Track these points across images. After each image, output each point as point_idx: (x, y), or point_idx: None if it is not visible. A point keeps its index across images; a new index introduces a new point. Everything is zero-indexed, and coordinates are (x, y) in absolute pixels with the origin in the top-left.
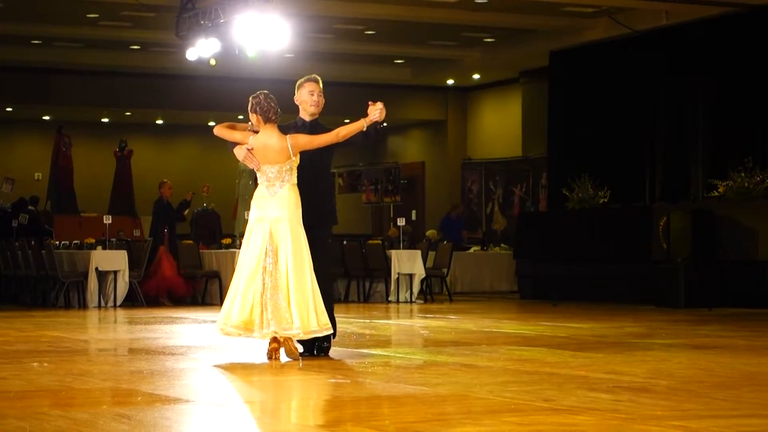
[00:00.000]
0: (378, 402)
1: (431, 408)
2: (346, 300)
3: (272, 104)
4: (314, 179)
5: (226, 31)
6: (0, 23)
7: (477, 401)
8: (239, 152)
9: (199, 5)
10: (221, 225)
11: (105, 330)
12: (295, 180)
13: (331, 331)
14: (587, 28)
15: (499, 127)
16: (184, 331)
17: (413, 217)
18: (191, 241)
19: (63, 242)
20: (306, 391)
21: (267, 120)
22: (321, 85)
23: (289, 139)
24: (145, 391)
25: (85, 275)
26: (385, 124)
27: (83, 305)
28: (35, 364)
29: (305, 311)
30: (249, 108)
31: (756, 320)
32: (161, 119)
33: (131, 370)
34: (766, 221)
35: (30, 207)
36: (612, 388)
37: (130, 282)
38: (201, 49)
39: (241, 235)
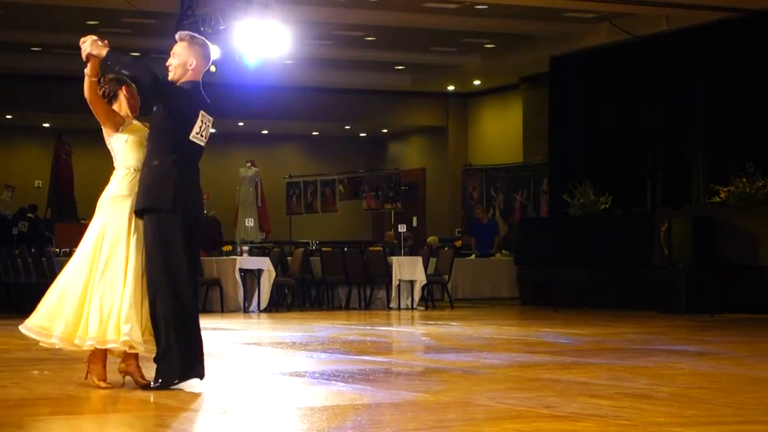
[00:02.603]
0: (379, 409)
1: (432, 415)
2: (347, 307)
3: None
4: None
5: (227, 37)
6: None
7: (478, 408)
8: None
9: (199, 12)
10: (222, 232)
11: None
12: (124, 163)
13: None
14: (588, 33)
15: (500, 133)
16: None
17: (414, 224)
18: None
19: (63, 249)
20: (307, 399)
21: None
22: (183, 41)
23: None
24: (147, 399)
25: None
26: (109, 62)
27: None
28: (35, 372)
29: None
30: None
31: (757, 326)
32: None
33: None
34: (767, 227)
35: (29, 215)
36: (614, 394)
37: None
38: None
39: (242, 242)
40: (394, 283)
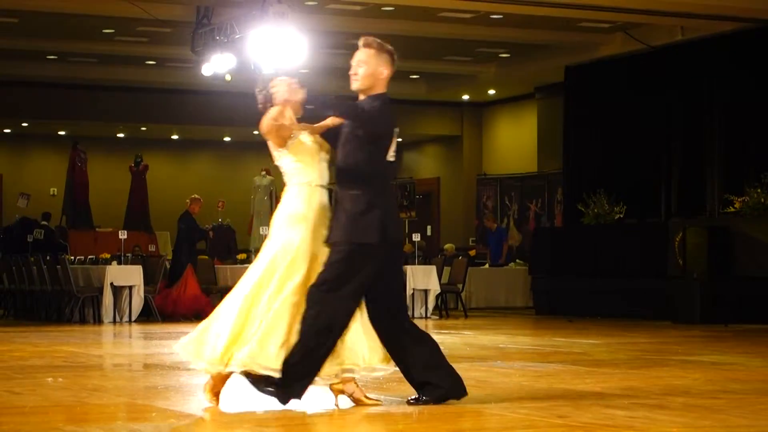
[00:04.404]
0: (393, 418)
1: (446, 424)
2: None
3: (261, 88)
4: (338, 181)
5: (242, 46)
6: (16, 39)
7: (492, 417)
8: None
9: (214, 21)
10: (236, 240)
11: (120, 345)
12: (300, 179)
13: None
14: (603, 43)
15: (515, 142)
16: None
17: (428, 233)
18: (206, 257)
19: (78, 257)
20: (318, 407)
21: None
22: (370, 48)
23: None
24: (160, 407)
25: (100, 290)
26: (310, 107)
27: (98, 320)
28: (50, 379)
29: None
30: None
31: None
32: (177, 134)
33: (146, 385)
34: None
35: (44, 222)
36: (628, 404)
37: (145, 297)
38: (216, 65)
39: (257, 251)
40: (408, 291)
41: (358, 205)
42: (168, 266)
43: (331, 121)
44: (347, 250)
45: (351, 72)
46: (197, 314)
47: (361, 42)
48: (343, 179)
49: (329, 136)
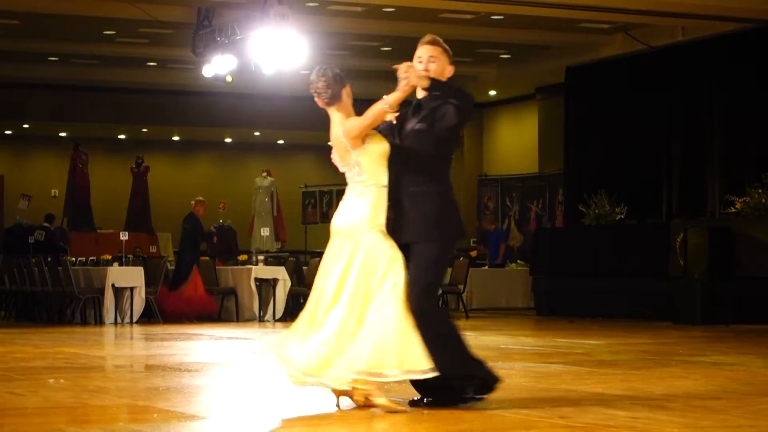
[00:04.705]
0: (395, 419)
1: (448, 425)
2: None
3: (321, 80)
4: (400, 179)
5: (243, 47)
6: (17, 40)
7: (493, 418)
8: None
9: (215, 22)
10: (237, 241)
11: (121, 346)
12: (375, 180)
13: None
14: (603, 44)
15: (516, 143)
16: (201, 347)
17: None
18: (207, 258)
19: (79, 259)
20: (323, 408)
21: (323, 104)
22: (438, 46)
23: (342, 126)
24: (161, 408)
25: (102, 291)
26: (436, 93)
27: (99, 322)
28: (51, 380)
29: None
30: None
31: None
32: (178, 136)
33: (147, 386)
34: None
35: (45, 224)
36: (629, 405)
37: (147, 298)
38: (217, 66)
39: (258, 252)
40: None
41: (439, 203)
42: (169, 267)
43: (380, 110)
44: (440, 246)
45: (421, 67)
46: (209, 315)
47: (426, 38)
48: (419, 176)
49: (385, 131)
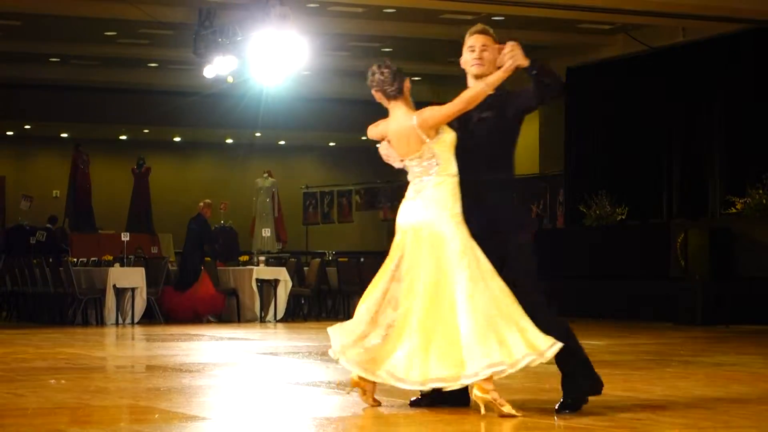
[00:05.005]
0: (395, 420)
1: (449, 426)
2: None
3: (386, 73)
4: (469, 169)
5: (244, 48)
6: (18, 41)
7: (495, 419)
8: (382, 150)
9: (216, 23)
10: (239, 242)
11: (122, 347)
12: (450, 170)
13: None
14: (604, 44)
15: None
16: (202, 348)
17: None
18: (209, 258)
19: (80, 259)
20: (323, 409)
21: (387, 96)
22: (489, 36)
23: (415, 116)
24: (163, 409)
25: (103, 292)
26: (535, 72)
27: (101, 322)
28: (52, 381)
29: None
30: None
31: None
32: (179, 136)
33: (148, 387)
34: None
35: (48, 225)
36: (630, 405)
37: (148, 299)
38: (218, 67)
39: (259, 253)
40: None
41: (509, 192)
42: (170, 268)
43: (481, 91)
44: (529, 236)
45: (475, 56)
46: (220, 313)
47: (477, 28)
48: (491, 164)
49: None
